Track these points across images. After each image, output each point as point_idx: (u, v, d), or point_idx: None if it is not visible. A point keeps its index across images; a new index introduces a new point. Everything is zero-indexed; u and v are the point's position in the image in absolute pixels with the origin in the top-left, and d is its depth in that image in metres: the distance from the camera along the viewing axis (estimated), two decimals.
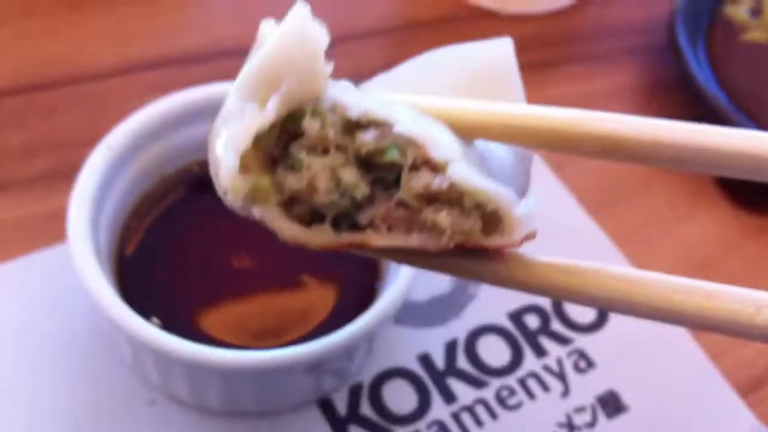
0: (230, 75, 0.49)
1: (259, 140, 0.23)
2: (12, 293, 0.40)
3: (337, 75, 0.25)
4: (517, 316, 0.43)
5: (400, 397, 0.39)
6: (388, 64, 0.54)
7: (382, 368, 0.40)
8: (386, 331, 0.40)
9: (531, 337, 0.43)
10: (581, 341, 0.43)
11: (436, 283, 0.44)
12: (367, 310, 0.34)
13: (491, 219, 0.23)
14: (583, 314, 0.44)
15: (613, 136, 0.25)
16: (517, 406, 0.40)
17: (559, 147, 0.25)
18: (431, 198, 0.23)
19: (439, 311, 0.43)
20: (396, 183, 0.24)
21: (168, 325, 0.35)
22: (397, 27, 0.58)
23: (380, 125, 0.23)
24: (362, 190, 0.24)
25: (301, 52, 0.23)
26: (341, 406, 0.39)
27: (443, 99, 0.26)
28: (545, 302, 0.44)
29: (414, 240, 0.24)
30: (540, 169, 0.49)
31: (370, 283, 0.38)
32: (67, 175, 0.43)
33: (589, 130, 0.25)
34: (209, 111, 0.36)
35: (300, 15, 0.24)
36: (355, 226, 0.24)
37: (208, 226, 0.40)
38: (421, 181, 0.23)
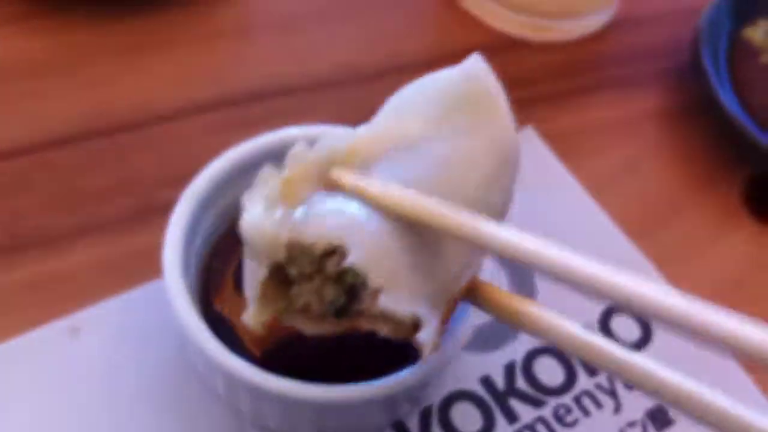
0: (287, 112, 0.53)
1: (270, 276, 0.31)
2: (98, 333, 0.42)
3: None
4: None
5: (466, 418, 0.43)
6: None
7: (449, 391, 0.43)
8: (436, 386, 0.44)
9: None
10: None
11: None
12: (447, 339, 0.37)
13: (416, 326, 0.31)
14: (629, 333, 0.47)
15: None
16: (573, 423, 0.43)
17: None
18: (378, 314, 0.31)
19: (496, 335, 0.46)
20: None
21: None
22: (433, 59, 0.61)
23: (338, 248, 0.30)
24: (341, 300, 0.31)
25: (265, 239, 0.31)
26: (413, 427, 0.42)
27: (402, 191, 0.31)
28: (593, 323, 0.47)
29: (382, 331, 0.31)
30: (579, 195, 0.52)
31: None
32: (143, 215, 0.47)
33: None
34: (280, 155, 0.38)
35: (253, 212, 0.31)
36: (346, 315, 0.32)
37: None
38: (368, 299, 0.30)
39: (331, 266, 0.31)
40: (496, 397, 0.44)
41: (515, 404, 0.44)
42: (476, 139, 0.32)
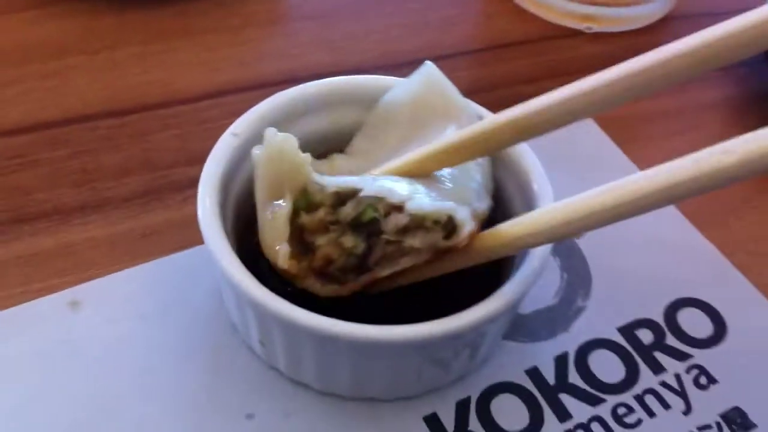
0: None
1: (290, 239, 0.32)
2: (98, 308, 0.39)
3: None
4: (628, 330, 0.41)
5: (510, 412, 0.37)
6: (472, 83, 0.54)
7: (489, 383, 0.38)
8: (494, 345, 0.38)
9: (645, 352, 0.40)
10: (700, 356, 0.40)
11: (542, 296, 0.41)
12: (493, 295, 0.33)
13: (448, 227, 0.32)
14: (700, 329, 0.41)
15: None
16: (636, 425, 0.37)
17: (486, 151, 0.36)
18: (405, 230, 0.32)
19: (546, 325, 0.40)
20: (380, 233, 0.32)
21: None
22: (483, 48, 0.58)
23: (354, 194, 0.32)
24: (361, 247, 0.32)
25: (284, 158, 0.32)
26: (448, 422, 0.37)
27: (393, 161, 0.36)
28: (658, 316, 0.41)
29: (405, 262, 0.32)
30: None
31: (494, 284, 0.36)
32: (159, 194, 0.44)
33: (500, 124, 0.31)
34: (329, 102, 0.41)
35: (271, 135, 0.32)
36: (366, 268, 0.33)
37: None
38: (392, 222, 0.32)
39: (347, 211, 0.32)
40: (546, 392, 0.38)
41: (567, 400, 0.38)
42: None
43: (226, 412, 0.36)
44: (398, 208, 0.31)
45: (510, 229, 0.32)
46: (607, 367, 0.39)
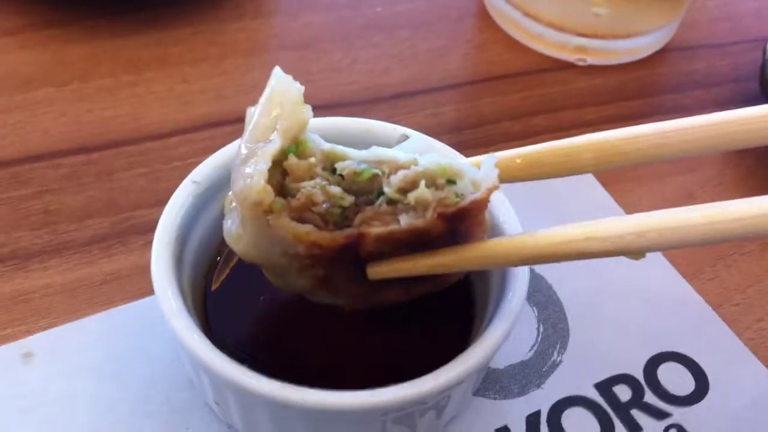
0: None
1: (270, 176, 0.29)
2: (52, 360, 0.37)
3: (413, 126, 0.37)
4: (605, 387, 0.39)
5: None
6: (458, 120, 0.52)
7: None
8: (463, 403, 0.37)
9: (622, 410, 0.38)
10: (679, 415, 0.38)
11: (516, 350, 0.40)
12: (459, 357, 0.32)
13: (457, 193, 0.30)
14: (680, 386, 0.39)
15: None
16: None
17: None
18: (408, 190, 0.29)
19: (519, 380, 0.39)
20: (375, 200, 0.30)
21: (254, 364, 0.32)
22: (472, 81, 0.56)
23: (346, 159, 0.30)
24: (348, 200, 0.30)
25: (287, 99, 0.30)
26: None
27: None
28: (637, 372, 0.40)
29: (404, 219, 0.30)
30: None
31: (462, 341, 0.35)
32: (121, 237, 0.42)
33: None
34: None
35: (280, 74, 0.31)
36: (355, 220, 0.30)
37: None
38: (399, 176, 0.30)
39: (343, 165, 0.30)
40: None
41: None
42: None
43: None
44: (406, 166, 0.30)
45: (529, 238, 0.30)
46: (580, 426, 0.38)
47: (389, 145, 0.34)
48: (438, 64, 0.56)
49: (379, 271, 0.32)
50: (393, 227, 0.30)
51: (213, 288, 0.37)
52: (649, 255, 0.44)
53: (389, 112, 0.51)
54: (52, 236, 0.42)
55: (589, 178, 0.48)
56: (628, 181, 0.49)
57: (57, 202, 0.43)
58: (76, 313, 0.38)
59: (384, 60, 0.55)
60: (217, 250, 0.38)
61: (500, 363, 0.39)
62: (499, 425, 0.37)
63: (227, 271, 0.38)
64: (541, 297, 0.42)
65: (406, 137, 0.38)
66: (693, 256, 0.45)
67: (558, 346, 0.40)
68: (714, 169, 0.51)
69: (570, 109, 0.54)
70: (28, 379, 0.36)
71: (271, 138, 0.30)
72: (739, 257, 0.46)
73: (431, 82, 0.55)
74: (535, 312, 0.42)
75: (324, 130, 0.36)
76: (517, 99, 0.54)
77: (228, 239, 0.32)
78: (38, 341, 0.37)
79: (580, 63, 0.57)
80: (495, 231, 0.36)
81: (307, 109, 0.31)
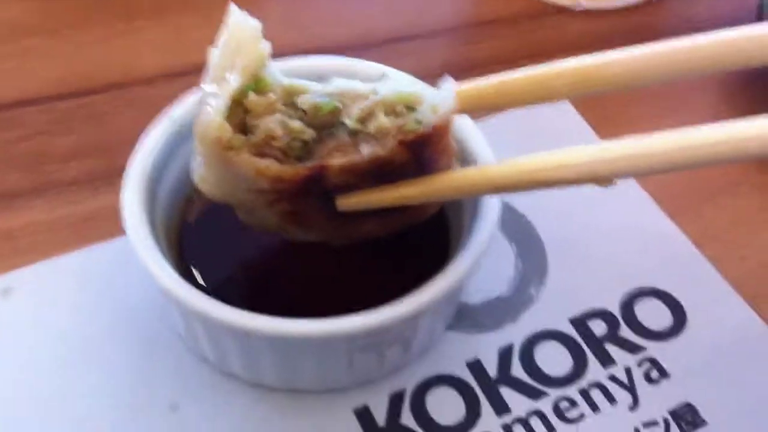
0: None
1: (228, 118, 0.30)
2: (30, 295, 0.38)
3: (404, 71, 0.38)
4: (581, 322, 0.39)
5: (446, 406, 0.36)
6: (449, 62, 0.52)
7: (426, 375, 0.37)
8: (434, 335, 0.37)
9: (596, 344, 0.38)
10: (654, 349, 0.38)
11: (492, 285, 0.40)
12: (424, 286, 0.32)
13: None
14: (657, 320, 0.39)
15: None
16: (577, 420, 0.36)
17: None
18: (368, 120, 0.30)
19: (494, 316, 0.39)
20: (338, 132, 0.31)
21: (227, 296, 0.33)
22: (464, 26, 0.56)
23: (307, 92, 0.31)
24: (308, 133, 0.30)
25: (244, 37, 0.30)
26: (380, 415, 0.36)
27: None
28: (613, 306, 0.40)
29: (365, 149, 0.30)
30: None
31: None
32: (108, 178, 0.43)
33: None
34: None
35: (236, 12, 0.31)
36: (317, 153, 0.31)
37: None
38: (358, 106, 0.30)
39: (303, 99, 0.30)
40: (485, 385, 0.37)
41: (507, 393, 0.36)
42: None
43: (150, 404, 0.35)
44: (366, 96, 0.30)
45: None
46: (553, 359, 0.38)
47: None
48: (430, 8, 0.56)
49: (348, 202, 0.32)
50: (355, 157, 0.30)
51: (188, 222, 0.38)
52: (634, 195, 0.45)
53: (380, 58, 0.51)
54: (40, 176, 0.43)
55: (571, 113, 0.48)
56: (621, 125, 0.49)
57: (46, 144, 0.44)
58: (59, 251, 0.39)
59: (374, 4, 0.55)
60: (193, 188, 0.38)
61: (476, 299, 0.40)
62: (470, 358, 0.37)
63: (203, 207, 0.38)
64: (521, 235, 0.42)
65: (384, 76, 0.38)
66: (680, 196, 0.45)
67: (535, 282, 0.40)
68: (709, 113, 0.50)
69: (564, 54, 0.52)
70: (5, 313, 0.37)
71: (230, 76, 0.30)
72: (729, 198, 0.45)
73: (423, 26, 0.54)
74: (514, 249, 0.42)
75: (309, 71, 0.36)
76: (509, 44, 0.54)
77: (195, 179, 0.32)
78: (18, 277, 0.38)
79: (576, 7, 0.56)
80: (468, 163, 0.36)
81: (266, 45, 0.31)
